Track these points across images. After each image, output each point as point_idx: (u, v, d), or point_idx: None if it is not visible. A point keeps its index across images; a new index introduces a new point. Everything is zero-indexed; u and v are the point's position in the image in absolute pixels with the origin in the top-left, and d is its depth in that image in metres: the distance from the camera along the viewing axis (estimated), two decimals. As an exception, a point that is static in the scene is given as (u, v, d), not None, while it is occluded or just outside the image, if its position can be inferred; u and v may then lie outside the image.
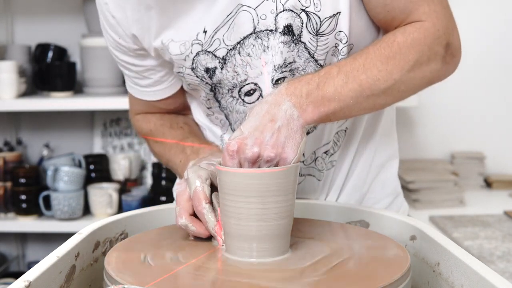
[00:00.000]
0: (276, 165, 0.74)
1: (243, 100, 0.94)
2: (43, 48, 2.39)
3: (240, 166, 0.74)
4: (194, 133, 1.04)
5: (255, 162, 0.73)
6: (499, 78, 2.47)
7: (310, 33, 0.87)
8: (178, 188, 0.83)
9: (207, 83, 0.94)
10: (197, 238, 0.80)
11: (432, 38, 0.84)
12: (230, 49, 0.89)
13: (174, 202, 0.82)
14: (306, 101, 0.78)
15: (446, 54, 0.86)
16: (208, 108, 1.00)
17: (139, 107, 1.10)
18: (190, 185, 0.79)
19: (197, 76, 0.94)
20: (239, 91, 0.93)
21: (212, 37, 0.89)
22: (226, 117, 0.99)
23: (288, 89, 0.79)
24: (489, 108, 2.48)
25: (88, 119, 2.54)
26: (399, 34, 0.84)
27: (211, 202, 0.78)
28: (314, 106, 0.78)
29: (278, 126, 0.75)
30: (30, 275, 0.65)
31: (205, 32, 0.89)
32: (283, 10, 0.85)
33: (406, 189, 2.17)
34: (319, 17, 0.85)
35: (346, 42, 0.88)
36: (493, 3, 2.45)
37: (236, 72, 0.91)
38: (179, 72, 0.96)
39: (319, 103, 0.79)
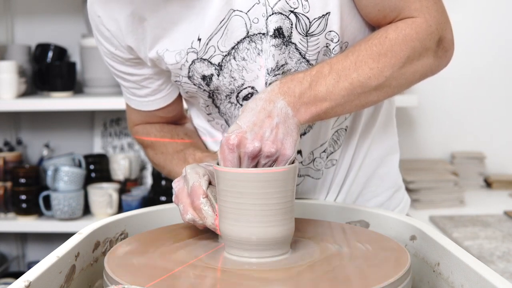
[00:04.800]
0: (275, 160, 0.74)
1: (241, 105, 0.94)
2: (43, 48, 2.40)
3: (240, 160, 0.74)
4: (195, 144, 1.04)
5: (255, 157, 0.74)
6: (499, 78, 2.47)
7: (300, 34, 0.87)
8: (176, 185, 0.82)
9: (204, 90, 0.94)
10: (206, 231, 0.80)
11: (424, 33, 0.84)
12: (225, 55, 0.89)
13: (173, 197, 0.82)
14: (299, 101, 0.79)
15: (438, 49, 0.87)
16: (208, 114, 1.00)
17: (138, 118, 1.08)
18: (187, 181, 0.80)
19: (194, 84, 0.94)
20: (237, 96, 0.93)
21: (207, 44, 0.89)
22: (226, 122, 0.99)
23: (281, 88, 0.79)
24: (489, 108, 2.48)
25: (88, 119, 2.55)
26: (391, 30, 0.84)
27: (207, 196, 0.78)
28: (307, 107, 0.79)
29: (276, 123, 0.75)
30: (30, 275, 0.65)
31: (199, 40, 0.89)
32: (272, 14, 0.85)
33: (406, 189, 2.16)
34: (308, 18, 0.85)
35: (338, 41, 0.88)
36: (493, 3, 2.45)
37: (232, 78, 0.91)
38: (176, 81, 0.95)
39: (312, 103, 0.80)
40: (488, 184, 2.44)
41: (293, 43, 0.87)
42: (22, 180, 2.24)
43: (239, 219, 0.72)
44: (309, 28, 0.86)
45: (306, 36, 0.87)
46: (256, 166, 0.75)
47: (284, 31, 0.86)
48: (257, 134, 0.74)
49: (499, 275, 0.63)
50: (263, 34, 0.87)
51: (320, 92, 0.80)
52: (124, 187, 2.34)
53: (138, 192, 2.30)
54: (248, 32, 0.87)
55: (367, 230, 0.88)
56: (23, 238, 2.59)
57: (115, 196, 2.22)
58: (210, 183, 0.79)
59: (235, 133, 0.74)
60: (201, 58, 0.90)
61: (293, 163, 0.76)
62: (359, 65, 0.82)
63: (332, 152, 1.00)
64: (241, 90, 0.92)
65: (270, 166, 0.75)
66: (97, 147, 2.52)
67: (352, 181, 1.03)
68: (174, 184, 0.83)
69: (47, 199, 2.22)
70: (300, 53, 0.88)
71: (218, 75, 0.91)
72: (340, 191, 1.03)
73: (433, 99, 2.45)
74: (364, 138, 1.01)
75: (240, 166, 0.74)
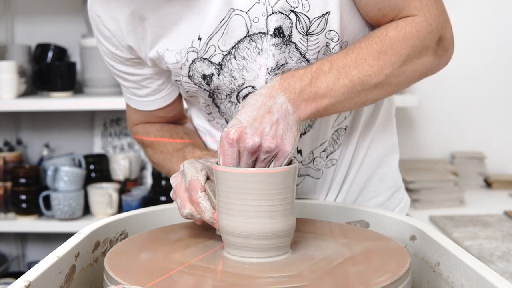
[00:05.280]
0: (275, 156, 0.75)
1: None
2: (43, 48, 2.40)
3: (239, 155, 0.74)
4: (195, 143, 1.04)
5: (255, 152, 0.74)
6: (499, 78, 2.47)
7: (300, 33, 0.87)
8: (174, 181, 0.82)
9: (205, 89, 0.94)
10: (206, 228, 0.80)
11: (424, 32, 0.84)
12: (226, 54, 0.89)
13: (171, 193, 0.82)
14: (299, 97, 0.79)
15: (438, 47, 0.87)
16: (208, 113, 1.00)
17: (138, 117, 1.08)
18: (185, 176, 0.79)
19: (194, 84, 0.94)
20: (237, 95, 0.93)
21: (207, 43, 0.89)
22: (227, 122, 0.99)
23: (281, 85, 0.79)
24: (489, 108, 2.48)
25: (88, 119, 2.54)
26: (391, 28, 0.85)
27: (206, 191, 0.78)
28: (307, 103, 0.79)
29: (276, 119, 0.75)
30: (30, 275, 0.65)
31: (199, 39, 0.89)
32: (273, 13, 0.85)
33: (406, 189, 2.16)
34: (308, 17, 0.86)
35: (338, 40, 0.88)
36: (494, 3, 2.45)
37: (233, 77, 0.91)
38: (176, 80, 0.95)
39: (312, 100, 0.80)
40: (488, 184, 2.44)
41: (293, 43, 0.87)
42: (22, 180, 2.24)
43: (238, 215, 0.72)
44: (309, 27, 0.86)
45: (306, 35, 0.87)
46: (255, 161, 0.75)
47: (284, 30, 0.86)
48: (257, 129, 0.74)
49: (499, 275, 0.63)
50: (263, 33, 0.87)
51: (320, 88, 0.80)
52: (124, 187, 2.34)
53: (138, 192, 2.31)
54: (248, 32, 0.87)
55: (367, 230, 0.88)
56: (23, 238, 2.59)
57: (115, 196, 2.22)
58: (208, 178, 0.79)
59: (235, 128, 0.74)
60: (201, 58, 0.90)
61: (290, 163, 0.76)
62: (359, 62, 0.82)
63: (332, 152, 1.00)
64: (241, 90, 0.92)
65: (270, 161, 0.75)
66: (97, 147, 2.52)
67: (352, 181, 1.03)
68: (172, 180, 0.83)
69: (47, 199, 2.22)
70: (300, 53, 0.88)
71: (218, 75, 0.91)
72: (340, 191, 1.03)
73: (433, 99, 2.45)
74: (363, 137, 1.01)
75: (239, 161, 0.74)
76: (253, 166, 0.75)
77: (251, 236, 0.72)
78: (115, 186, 2.27)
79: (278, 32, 0.86)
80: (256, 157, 0.74)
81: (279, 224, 0.72)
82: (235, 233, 0.73)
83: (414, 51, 0.84)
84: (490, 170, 2.49)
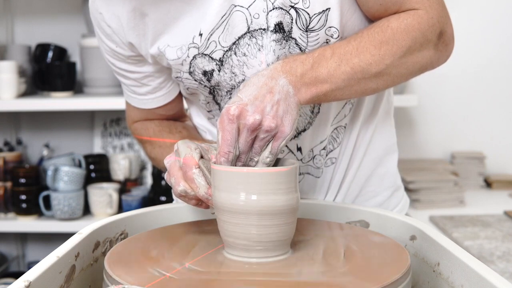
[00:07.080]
0: (274, 136, 0.75)
1: None
2: (43, 48, 2.40)
3: (238, 132, 0.74)
4: (192, 136, 1.04)
5: (255, 130, 0.74)
6: (500, 78, 2.47)
7: (300, 29, 0.87)
8: (168, 161, 0.82)
9: (205, 86, 0.94)
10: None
11: (426, 25, 0.85)
12: (226, 51, 0.89)
13: (166, 174, 0.82)
14: (300, 81, 0.80)
15: (439, 42, 0.88)
16: (209, 111, 1.00)
17: (138, 115, 1.09)
18: (179, 154, 0.79)
19: (195, 80, 0.94)
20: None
21: (208, 39, 0.89)
22: None
23: (283, 67, 0.80)
24: (489, 108, 2.48)
25: (88, 119, 2.55)
26: (393, 19, 0.86)
27: (200, 167, 0.77)
28: (307, 87, 0.80)
29: (277, 99, 0.76)
30: (30, 275, 0.65)
31: (200, 35, 0.89)
32: (273, 8, 0.86)
33: (406, 189, 2.16)
34: (308, 14, 0.86)
35: (338, 37, 0.88)
36: (494, 3, 2.45)
37: (233, 73, 0.91)
38: (177, 77, 0.96)
39: (312, 84, 0.81)
40: (488, 184, 2.44)
41: (293, 38, 0.88)
42: (22, 180, 2.24)
43: (237, 197, 0.71)
44: (309, 23, 0.87)
45: (306, 31, 0.87)
46: (254, 140, 0.75)
47: (284, 26, 0.87)
48: (258, 108, 0.74)
49: (499, 275, 0.63)
50: (264, 29, 0.87)
51: (322, 73, 0.81)
52: (124, 187, 2.34)
53: (138, 192, 2.31)
54: (249, 28, 0.87)
55: (367, 230, 0.88)
56: (23, 238, 2.59)
57: (115, 196, 2.22)
58: (202, 157, 0.79)
59: (236, 104, 0.74)
60: (202, 53, 0.90)
61: (277, 162, 0.76)
62: (361, 51, 0.83)
63: (332, 150, 1.00)
64: None
65: (268, 141, 0.76)
66: (97, 147, 2.52)
67: (351, 180, 1.03)
68: (165, 160, 0.82)
69: (47, 199, 2.22)
70: (300, 49, 0.89)
71: (219, 71, 0.91)
72: (339, 190, 1.03)
73: (433, 99, 2.45)
74: (362, 136, 1.01)
75: (238, 138, 0.74)
76: (252, 144, 0.75)
77: (251, 212, 0.70)
78: (115, 186, 2.27)
79: (279, 27, 0.87)
80: (255, 135, 0.75)
81: (281, 197, 0.71)
82: (233, 209, 0.71)
83: (415, 43, 0.85)
84: (490, 170, 2.49)
